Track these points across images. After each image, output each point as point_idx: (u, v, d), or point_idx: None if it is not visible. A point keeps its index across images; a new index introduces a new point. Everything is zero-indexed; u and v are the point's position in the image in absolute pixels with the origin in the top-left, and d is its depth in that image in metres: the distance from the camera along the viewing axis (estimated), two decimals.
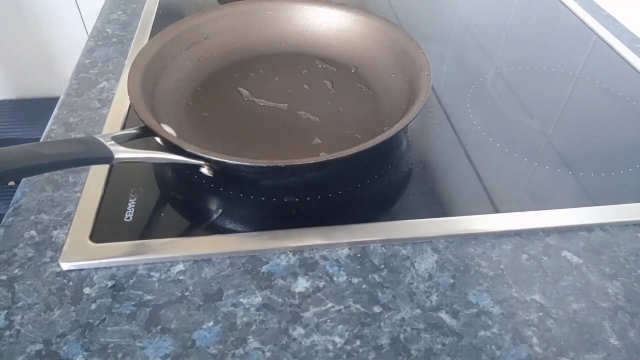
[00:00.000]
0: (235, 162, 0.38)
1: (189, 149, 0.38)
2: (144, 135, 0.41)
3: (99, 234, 0.39)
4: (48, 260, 0.38)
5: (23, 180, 0.44)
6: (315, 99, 0.52)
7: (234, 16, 0.56)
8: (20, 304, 0.36)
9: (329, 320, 0.35)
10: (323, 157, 0.39)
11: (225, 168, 0.41)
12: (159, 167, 0.46)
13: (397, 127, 0.41)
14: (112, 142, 0.38)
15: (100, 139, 0.37)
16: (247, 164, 0.38)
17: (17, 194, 0.43)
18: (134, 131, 0.40)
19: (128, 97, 0.43)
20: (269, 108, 0.51)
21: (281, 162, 0.38)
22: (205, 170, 0.40)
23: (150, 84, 0.46)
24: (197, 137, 0.46)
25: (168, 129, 0.42)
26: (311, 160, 0.38)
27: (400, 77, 0.50)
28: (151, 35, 0.64)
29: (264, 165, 0.38)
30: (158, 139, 0.41)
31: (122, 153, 0.37)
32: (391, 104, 0.49)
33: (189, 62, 0.53)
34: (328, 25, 0.57)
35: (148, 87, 0.46)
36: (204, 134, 0.47)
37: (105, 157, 0.37)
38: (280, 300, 0.36)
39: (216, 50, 0.55)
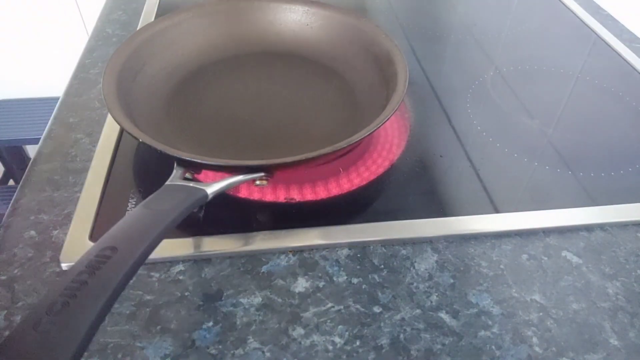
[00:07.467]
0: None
1: (249, 163, 0.38)
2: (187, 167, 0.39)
3: (98, 234, 0.39)
4: (48, 260, 0.38)
5: (23, 180, 0.44)
6: (290, 97, 0.51)
7: (200, 17, 0.54)
8: (20, 304, 0.36)
9: (328, 321, 0.35)
10: (316, 152, 0.38)
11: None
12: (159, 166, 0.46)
13: (364, 132, 0.40)
14: (194, 181, 0.37)
15: (184, 183, 0.37)
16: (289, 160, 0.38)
17: (17, 194, 0.43)
18: (181, 168, 0.39)
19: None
20: (244, 110, 0.50)
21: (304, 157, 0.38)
22: (259, 182, 0.39)
23: (129, 117, 0.42)
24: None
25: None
26: (312, 154, 0.38)
27: (375, 71, 0.50)
28: None
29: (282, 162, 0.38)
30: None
31: (211, 187, 0.37)
32: (369, 98, 0.49)
33: (156, 77, 0.50)
34: (296, 22, 0.56)
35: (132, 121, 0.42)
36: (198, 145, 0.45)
37: (203, 196, 0.36)
38: (280, 300, 0.36)
39: (182, 57, 0.53)
